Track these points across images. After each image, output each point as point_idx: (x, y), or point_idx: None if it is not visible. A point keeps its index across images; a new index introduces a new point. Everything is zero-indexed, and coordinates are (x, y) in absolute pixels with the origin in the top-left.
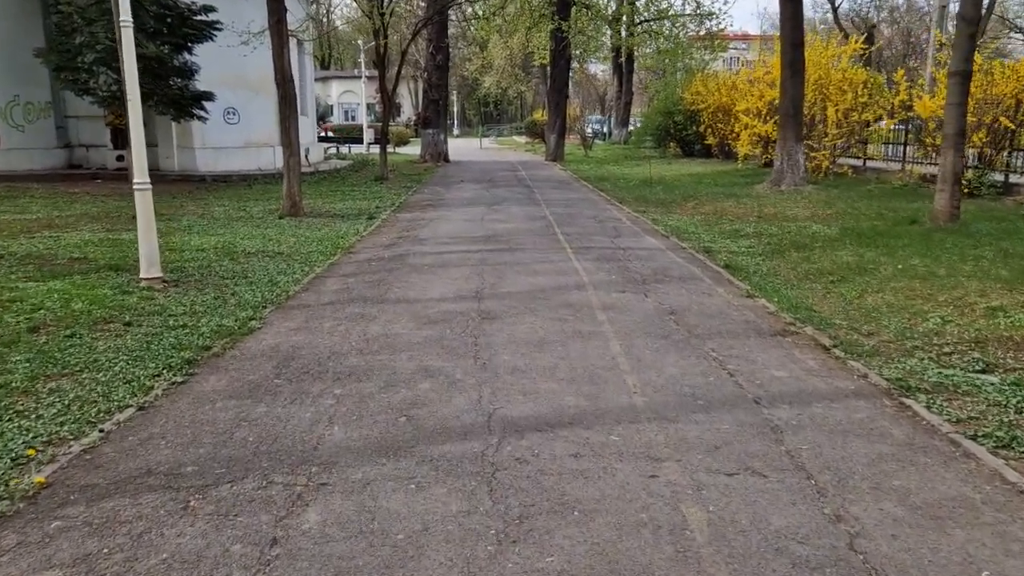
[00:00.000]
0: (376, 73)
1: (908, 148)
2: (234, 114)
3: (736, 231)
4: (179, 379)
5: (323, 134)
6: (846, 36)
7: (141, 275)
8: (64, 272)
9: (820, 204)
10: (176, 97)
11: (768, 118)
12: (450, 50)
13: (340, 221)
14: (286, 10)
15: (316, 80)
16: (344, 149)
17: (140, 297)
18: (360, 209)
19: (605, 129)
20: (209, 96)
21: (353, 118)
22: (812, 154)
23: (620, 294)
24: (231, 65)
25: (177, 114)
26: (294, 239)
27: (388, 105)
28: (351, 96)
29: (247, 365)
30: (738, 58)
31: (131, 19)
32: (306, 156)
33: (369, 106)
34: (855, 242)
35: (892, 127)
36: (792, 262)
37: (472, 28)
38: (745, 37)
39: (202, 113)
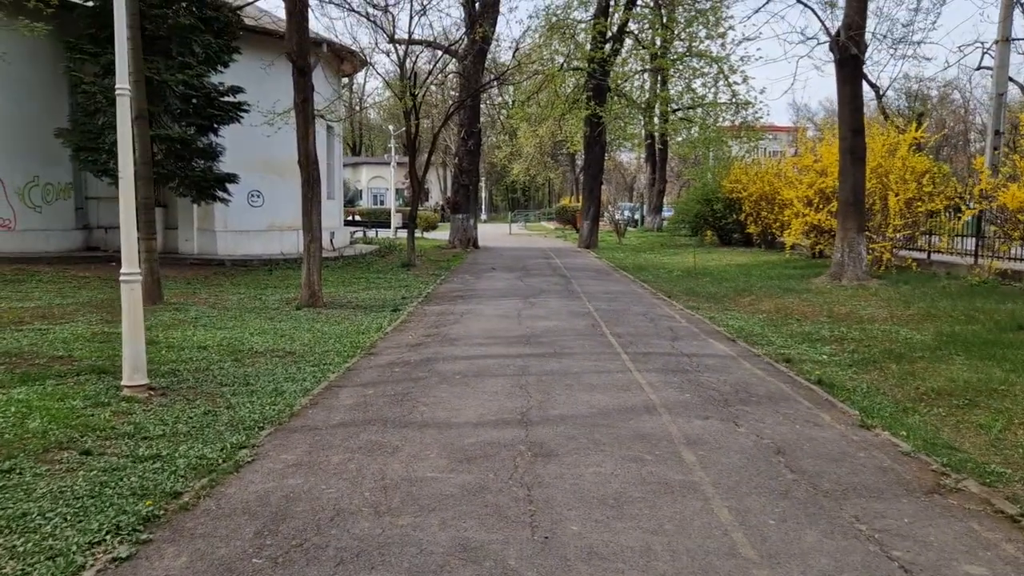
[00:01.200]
0: (405, 159)
1: (980, 241)
2: (258, 196)
3: (809, 334)
4: (123, 554)
5: (350, 218)
6: (890, 122)
7: (123, 382)
8: (38, 375)
9: (895, 303)
10: (198, 179)
11: (820, 206)
12: (481, 137)
13: (362, 314)
14: (313, 88)
15: (346, 165)
16: (371, 233)
17: (115, 411)
18: (384, 300)
19: (637, 216)
20: (233, 178)
21: (382, 203)
22: (872, 245)
23: (703, 421)
24: (257, 147)
25: (199, 196)
26: (309, 335)
27: (417, 189)
28: (380, 181)
29: (222, 528)
30: (766, 148)
31: (128, 87)
32: (331, 240)
33: (398, 191)
34: (961, 352)
35: (968, 219)
36: (895, 377)
37: (502, 116)
38: (774, 128)
39: (225, 195)
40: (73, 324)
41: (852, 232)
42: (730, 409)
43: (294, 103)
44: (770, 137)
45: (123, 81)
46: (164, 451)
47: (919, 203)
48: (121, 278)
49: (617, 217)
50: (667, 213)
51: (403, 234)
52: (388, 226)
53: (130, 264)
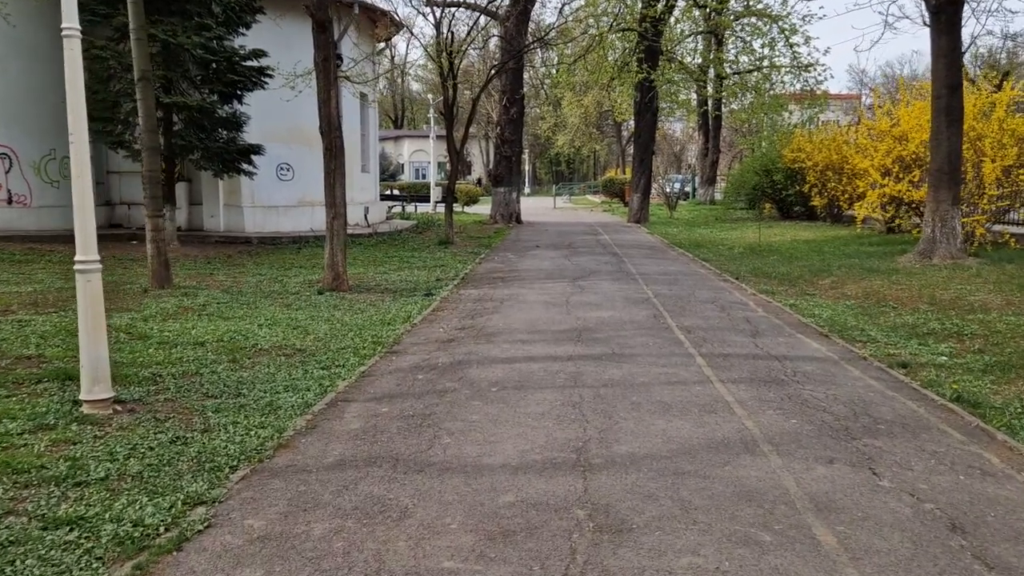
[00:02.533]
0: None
1: None
2: (288, 170)
3: (916, 327)
4: None
5: (388, 192)
6: (980, 80)
7: (81, 396)
8: None
9: (1007, 286)
10: (221, 151)
11: (900, 176)
12: (524, 108)
13: (391, 299)
14: (335, 47)
15: (388, 139)
16: (411, 208)
17: (56, 440)
18: (417, 283)
19: (688, 188)
20: (258, 150)
21: (424, 176)
22: (963, 219)
23: (827, 468)
24: (286, 116)
25: (223, 169)
26: (327, 327)
27: (456, 160)
28: (422, 155)
29: None
30: (818, 117)
31: (76, 26)
32: (365, 216)
33: (440, 164)
34: None
35: None
36: None
37: (545, 86)
38: (831, 96)
39: (250, 168)
40: (62, 314)
41: (946, 204)
42: (857, 445)
43: (314, 63)
44: (827, 107)
45: (71, 20)
46: (93, 510)
47: (1020, 171)
48: (76, 267)
49: (668, 190)
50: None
51: (443, 209)
52: (428, 200)
53: (86, 250)
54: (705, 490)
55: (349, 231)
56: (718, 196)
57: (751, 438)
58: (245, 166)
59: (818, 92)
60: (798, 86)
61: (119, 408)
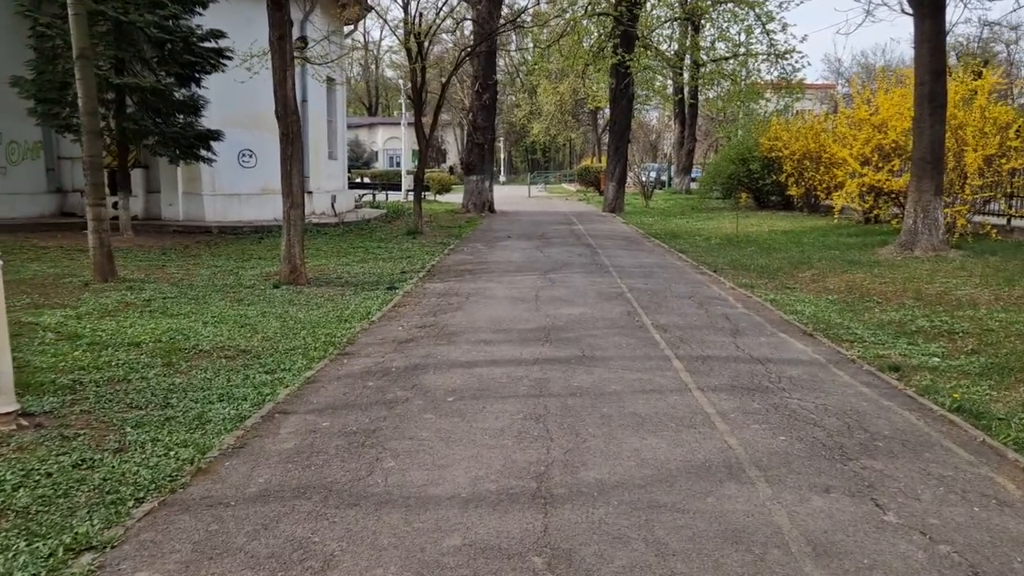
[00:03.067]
0: (423, 119)
1: None
2: (250, 156)
3: (903, 324)
4: None
5: (359, 180)
6: (961, 67)
7: None
8: None
9: (993, 280)
10: (177, 136)
11: (880, 165)
12: (498, 94)
13: (351, 293)
14: (292, 24)
15: (361, 126)
16: (382, 196)
17: None
18: (380, 275)
19: (664, 177)
20: (217, 135)
21: (398, 164)
22: (944, 210)
23: (823, 498)
24: (247, 100)
25: (181, 155)
26: (278, 324)
27: (425, 146)
28: (396, 143)
29: None
30: (791, 106)
31: None
32: (332, 205)
33: (413, 152)
34: None
35: None
36: None
37: (521, 73)
38: (807, 86)
39: (209, 155)
40: None
41: (928, 194)
42: (855, 467)
43: (269, 42)
44: (803, 95)
45: None
46: None
47: (1002, 160)
48: None
49: (643, 179)
50: (695, 175)
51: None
52: (400, 188)
53: None
54: (684, 529)
55: (316, 220)
56: (694, 185)
57: (736, 460)
58: (204, 152)
59: (794, 81)
60: (775, 74)
61: (24, 423)
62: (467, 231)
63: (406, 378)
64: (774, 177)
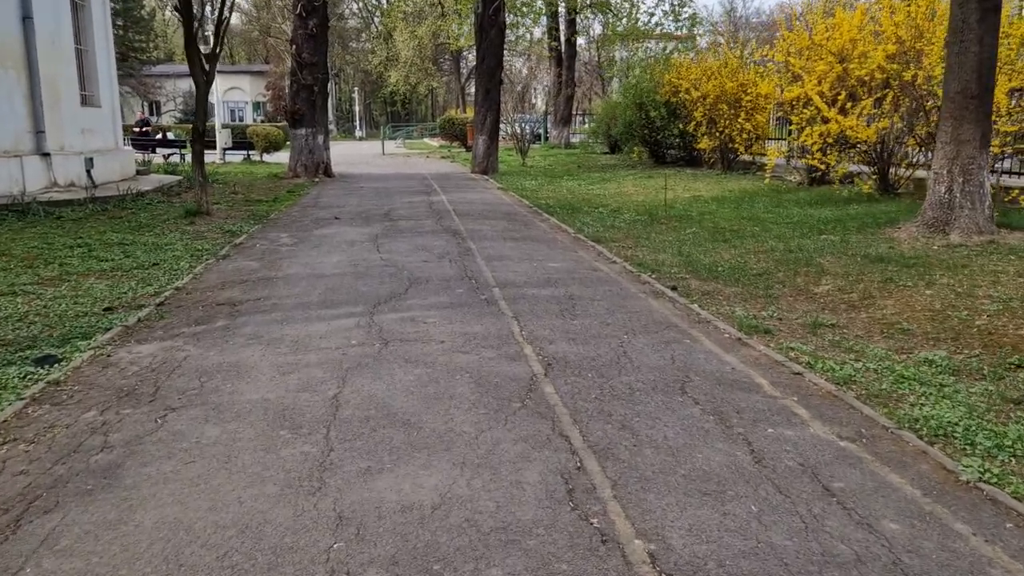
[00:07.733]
0: (267, 67)
1: None
2: None
3: None
4: None
5: (160, 136)
6: None
7: None
8: None
9: None
10: None
11: (847, 107)
12: (328, 20)
13: None
14: None
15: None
16: (191, 158)
17: None
18: (51, 320)
19: (540, 131)
20: None
21: (241, 119)
22: None
23: None
24: None
25: None
26: None
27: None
28: (238, 93)
29: None
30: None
31: None
32: (88, 171)
33: (258, 104)
34: None
35: None
36: None
37: (376, 19)
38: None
39: None
40: None
41: (971, 147)
42: None
43: None
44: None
45: None
46: None
47: None
48: None
49: (519, 130)
50: (575, 126)
51: (232, 159)
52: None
53: None
54: None
55: (57, 194)
56: (575, 139)
57: None
58: None
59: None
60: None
61: None
62: (281, 207)
63: None
64: (680, 126)
